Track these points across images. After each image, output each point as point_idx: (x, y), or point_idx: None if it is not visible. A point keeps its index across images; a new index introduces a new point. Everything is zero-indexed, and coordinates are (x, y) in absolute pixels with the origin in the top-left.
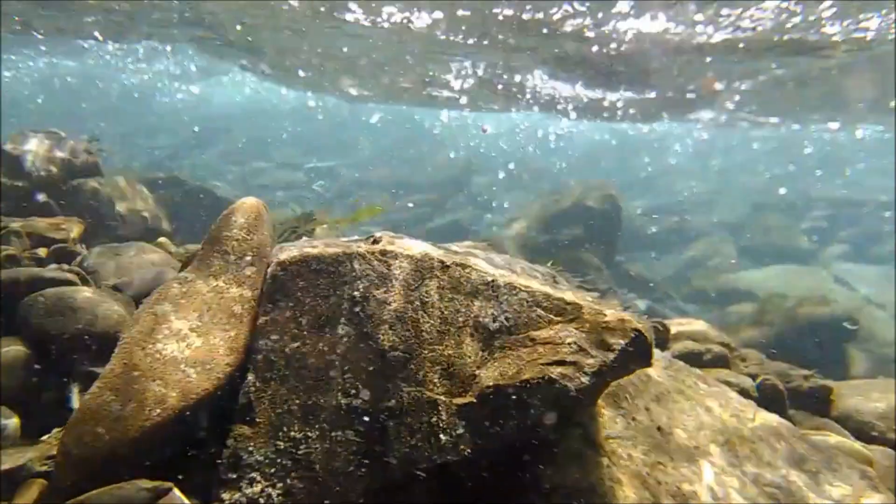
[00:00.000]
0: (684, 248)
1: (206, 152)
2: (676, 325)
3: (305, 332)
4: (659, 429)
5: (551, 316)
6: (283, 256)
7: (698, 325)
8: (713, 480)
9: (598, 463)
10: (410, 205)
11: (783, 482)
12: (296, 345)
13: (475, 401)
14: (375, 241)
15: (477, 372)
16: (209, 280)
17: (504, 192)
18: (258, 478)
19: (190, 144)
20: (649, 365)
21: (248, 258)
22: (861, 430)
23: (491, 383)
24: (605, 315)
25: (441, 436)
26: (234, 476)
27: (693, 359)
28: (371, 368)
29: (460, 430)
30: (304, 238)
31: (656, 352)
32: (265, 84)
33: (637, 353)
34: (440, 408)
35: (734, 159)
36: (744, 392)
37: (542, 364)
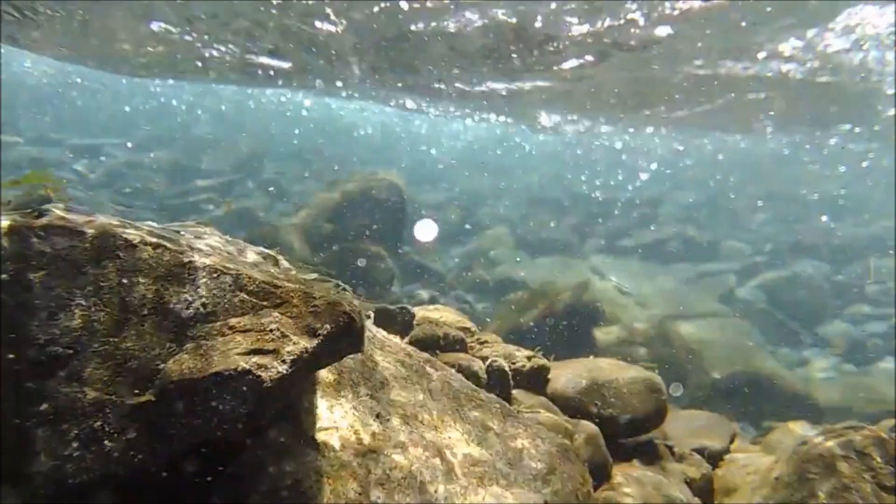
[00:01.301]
0: (469, 240)
1: None
2: (423, 311)
3: None
4: (378, 416)
5: (255, 301)
6: None
7: (444, 312)
8: (423, 465)
9: (307, 457)
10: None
11: (490, 460)
12: None
13: (154, 399)
14: (40, 215)
15: (161, 366)
16: None
17: (299, 180)
18: None
19: None
20: (359, 350)
21: None
22: (568, 405)
23: (175, 378)
24: (316, 299)
25: (107, 442)
26: None
27: (430, 343)
28: (17, 368)
29: (132, 434)
30: None
31: (391, 338)
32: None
33: (346, 337)
34: (108, 409)
35: (515, 158)
36: (473, 374)
37: (237, 354)
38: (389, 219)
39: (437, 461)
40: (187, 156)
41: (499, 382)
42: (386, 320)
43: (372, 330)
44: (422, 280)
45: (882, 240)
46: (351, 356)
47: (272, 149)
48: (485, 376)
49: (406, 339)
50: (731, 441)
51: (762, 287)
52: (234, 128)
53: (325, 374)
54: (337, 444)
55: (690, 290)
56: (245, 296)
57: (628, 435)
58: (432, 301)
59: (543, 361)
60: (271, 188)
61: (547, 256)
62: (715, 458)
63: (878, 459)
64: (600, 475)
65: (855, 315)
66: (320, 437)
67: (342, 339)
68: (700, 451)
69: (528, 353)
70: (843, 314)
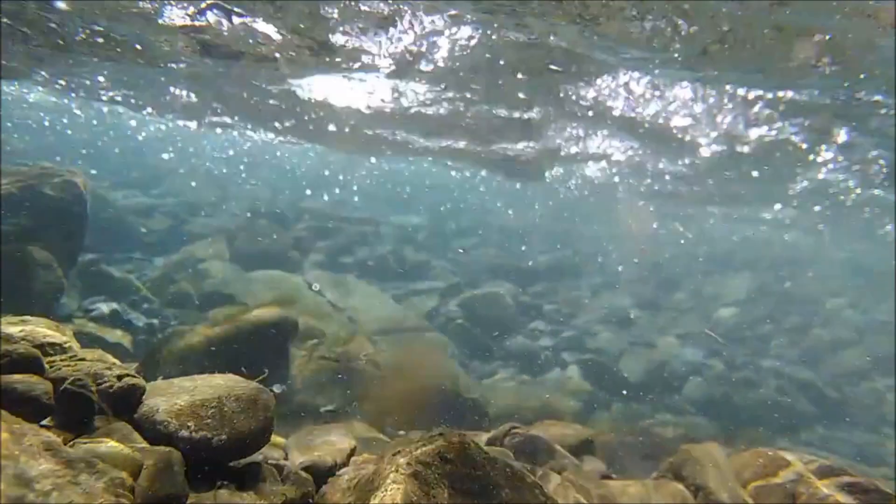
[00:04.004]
0: (177, 249)
1: None
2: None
3: None
4: None
5: None
6: None
7: (33, 325)
8: None
9: None
10: None
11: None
12: None
13: None
14: None
15: None
16: None
17: None
18: None
19: None
20: None
21: None
22: (157, 430)
23: None
24: None
25: None
26: None
27: None
28: None
29: None
30: None
31: None
32: None
33: None
34: None
35: (239, 168)
36: (31, 399)
37: None
38: (64, 221)
39: None
40: None
41: (73, 407)
42: None
43: None
44: (110, 292)
45: (561, 266)
46: None
47: None
48: (50, 401)
49: None
50: (351, 454)
51: (462, 305)
52: None
53: None
54: None
55: (400, 307)
56: None
57: (230, 457)
58: (113, 316)
59: (137, 381)
60: None
61: (263, 270)
62: (325, 474)
63: (460, 465)
64: None
65: (533, 331)
66: None
67: None
68: (311, 467)
69: (120, 371)
70: (524, 330)
